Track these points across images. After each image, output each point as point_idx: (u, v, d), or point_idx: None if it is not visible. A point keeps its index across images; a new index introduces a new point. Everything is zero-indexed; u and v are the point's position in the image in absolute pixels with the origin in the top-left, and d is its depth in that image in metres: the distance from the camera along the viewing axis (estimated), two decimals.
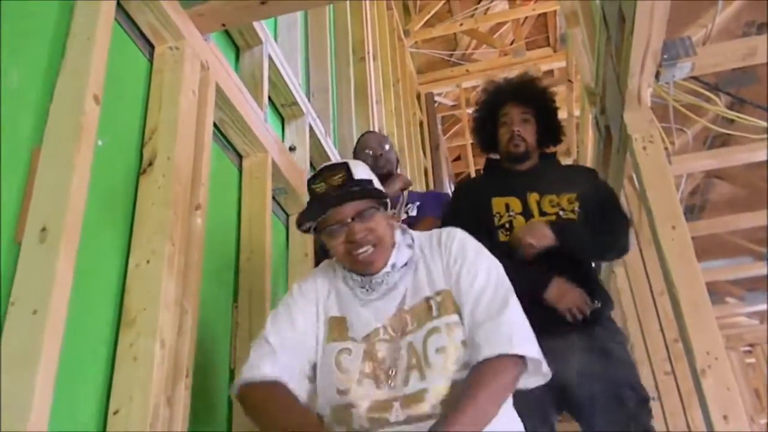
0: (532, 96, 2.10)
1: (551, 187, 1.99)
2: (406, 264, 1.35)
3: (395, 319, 1.29)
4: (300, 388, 1.28)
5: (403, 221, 2.27)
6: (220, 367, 1.72)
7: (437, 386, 1.21)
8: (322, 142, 2.76)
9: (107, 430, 1.18)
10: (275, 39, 2.53)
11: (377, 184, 1.35)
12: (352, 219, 1.29)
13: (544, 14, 6.47)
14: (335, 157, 2.94)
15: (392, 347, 1.26)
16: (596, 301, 1.84)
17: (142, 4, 1.50)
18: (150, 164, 1.46)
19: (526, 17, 6.57)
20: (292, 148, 2.50)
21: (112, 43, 1.33)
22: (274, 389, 1.24)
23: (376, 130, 3.91)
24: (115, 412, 1.19)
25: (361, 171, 1.33)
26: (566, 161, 6.45)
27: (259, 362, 1.27)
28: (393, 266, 1.33)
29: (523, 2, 6.38)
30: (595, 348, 1.83)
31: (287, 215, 2.39)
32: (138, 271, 1.33)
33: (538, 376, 1.27)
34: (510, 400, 1.28)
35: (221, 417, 1.68)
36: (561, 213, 1.94)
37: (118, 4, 1.42)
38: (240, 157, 2.06)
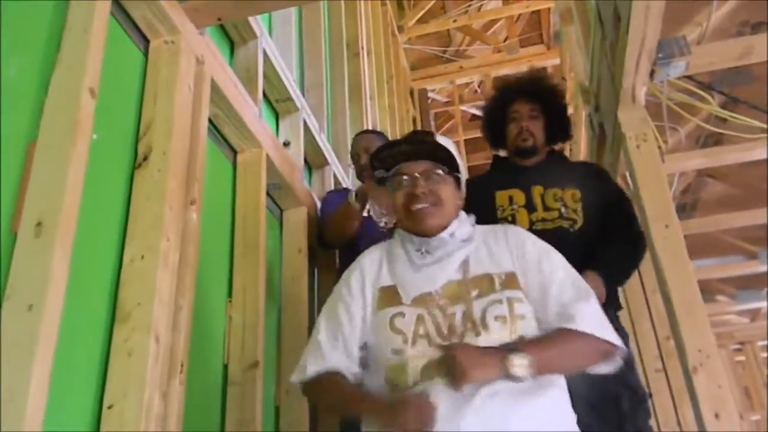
0: (540, 92, 2.11)
1: (556, 181, 2.00)
2: (466, 240, 1.37)
3: (454, 286, 1.31)
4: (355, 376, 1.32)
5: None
6: (213, 363, 1.71)
7: (492, 344, 1.21)
8: (317, 137, 2.76)
9: (102, 425, 1.18)
10: (270, 34, 2.52)
11: (458, 158, 1.40)
12: (420, 174, 1.35)
13: (538, 11, 6.47)
14: (329, 154, 2.94)
15: (449, 311, 1.27)
16: None
17: None
18: (145, 159, 1.45)
19: (520, 14, 6.56)
20: (286, 144, 2.49)
21: (107, 37, 1.32)
22: (332, 379, 1.29)
23: (370, 126, 3.91)
24: (110, 407, 1.19)
25: (445, 141, 1.39)
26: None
27: (312, 364, 1.32)
28: (452, 235, 1.36)
29: None
30: None
31: (281, 210, 2.39)
32: (133, 266, 1.33)
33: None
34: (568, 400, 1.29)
35: (215, 412, 1.68)
36: (563, 210, 1.95)
37: None
38: (234, 152, 2.05)
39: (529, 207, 1.96)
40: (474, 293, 1.29)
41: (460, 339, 1.23)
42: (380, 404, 1.21)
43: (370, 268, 1.41)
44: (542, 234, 1.90)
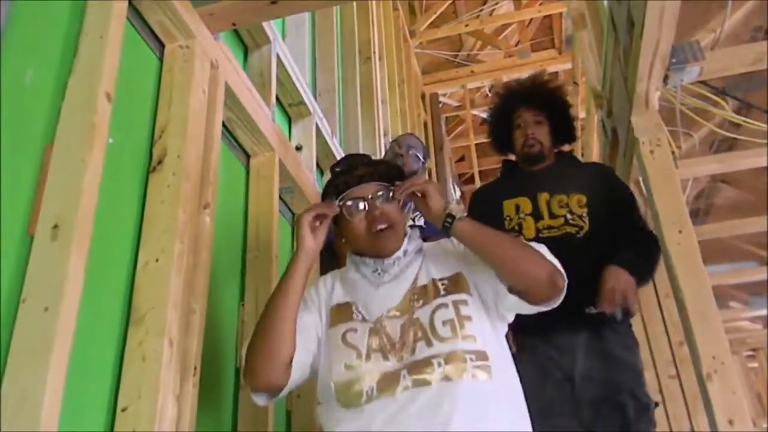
0: (544, 97, 2.11)
1: (562, 187, 1.99)
2: (417, 253, 1.42)
3: (403, 300, 1.34)
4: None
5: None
6: (226, 366, 1.72)
7: (445, 353, 1.23)
8: (329, 141, 2.77)
9: (116, 428, 1.18)
10: (283, 39, 2.53)
11: (397, 169, 1.48)
12: (373, 197, 1.38)
13: (550, 16, 6.46)
14: (341, 157, 2.94)
15: (398, 323, 1.30)
16: (590, 307, 1.82)
17: (154, 3, 1.50)
18: (160, 162, 1.46)
19: (532, 19, 6.56)
20: (298, 148, 2.50)
21: (123, 42, 1.33)
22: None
23: (381, 130, 3.91)
24: (124, 410, 1.19)
25: (389, 165, 1.48)
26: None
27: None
28: (405, 252, 1.40)
29: (528, 4, 6.38)
30: (601, 351, 1.83)
31: (293, 214, 2.39)
32: (147, 269, 1.34)
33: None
34: (523, 404, 1.29)
35: (227, 415, 1.68)
36: (569, 216, 1.94)
37: (130, 3, 1.42)
38: (248, 156, 2.06)
39: (536, 215, 1.96)
40: (419, 302, 1.32)
41: (412, 352, 1.25)
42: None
43: (324, 290, 1.44)
44: (549, 241, 1.91)
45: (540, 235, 1.92)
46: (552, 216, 1.95)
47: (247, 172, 2.05)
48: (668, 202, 2.05)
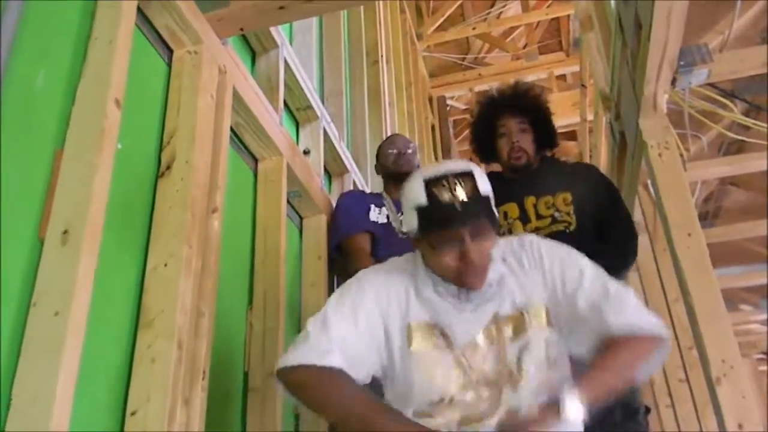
0: (526, 105, 2.10)
1: (547, 188, 2.01)
2: (499, 281, 1.29)
3: (488, 330, 1.26)
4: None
5: None
6: (235, 369, 1.73)
7: (531, 402, 1.19)
8: (336, 145, 2.77)
9: (125, 431, 1.19)
10: (291, 43, 2.54)
11: (493, 199, 1.27)
12: (471, 237, 1.20)
13: (557, 18, 6.45)
14: (349, 161, 2.95)
15: (483, 355, 1.24)
16: None
17: (162, 9, 1.52)
18: (168, 167, 1.47)
19: (539, 21, 6.55)
20: (306, 152, 2.51)
21: (132, 48, 1.34)
22: (345, 378, 1.17)
23: (389, 133, 3.92)
24: (133, 413, 1.20)
25: (484, 183, 1.23)
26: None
27: (324, 348, 1.18)
28: (489, 284, 1.27)
29: (536, 6, 6.37)
30: None
31: (301, 218, 2.40)
32: (156, 273, 1.34)
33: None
34: None
35: (236, 418, 1.69)
36: (556, 215, 1.96)
37: (139, 9, 1.43)
38: (255, 160, 2.07)
39: (523, 219, 1.98)
40: (508, 334, 1.26)
41: (499, 392, 1.21)
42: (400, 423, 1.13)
43: (395, 297, 1.29)
44: None
45: None
46: (539, 217, 1.96)
47: (255, 177, 2.06)
48: (677, 205, 2.04)
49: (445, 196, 1.19)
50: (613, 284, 1.28)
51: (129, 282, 1.32)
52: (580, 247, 1.83)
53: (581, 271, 1.30)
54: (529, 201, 1.99)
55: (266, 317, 1.84)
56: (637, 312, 1.25)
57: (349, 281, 1.34)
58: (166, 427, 1.18)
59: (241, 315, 1.82)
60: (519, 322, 1.27)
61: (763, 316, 6.19)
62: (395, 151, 2.46)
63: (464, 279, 1.23)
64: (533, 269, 1.32)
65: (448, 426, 1.20)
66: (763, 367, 8.11)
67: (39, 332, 1.02)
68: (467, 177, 1.21)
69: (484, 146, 2.18)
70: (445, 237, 1.21)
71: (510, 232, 1.97)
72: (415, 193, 1.23)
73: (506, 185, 2.05)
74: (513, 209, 2.00)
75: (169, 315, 1.29)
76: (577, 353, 1.30)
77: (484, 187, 1.23)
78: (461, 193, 1.19)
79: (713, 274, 1.91)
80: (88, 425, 1.13)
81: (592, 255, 1.81)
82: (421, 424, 1.15)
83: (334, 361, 1.17)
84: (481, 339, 1.26)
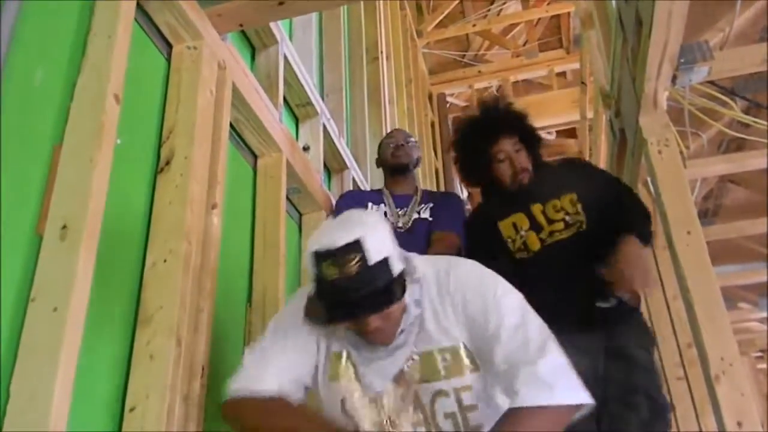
0: (516, 124, 2.04)
1: (551, 192, 1.98)
2: (412, 323, 1.24)
3: (401, 373, 1.23)
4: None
5: (421, 222, 2.26)
6: (234, 366, 1.72)
7: None
8: (336, 142, 2.77)
9: (124, 427, 1.19)
10: (290, 39, 2.54)
11: (394, 258, 1.17)
12: (367, 322, 1.17)
13: (558, 16, 6.44)
14: (348, 158, 2.95)
15: (397, 395, 1.22)
16: (601, 302, 1.80)
17: (161, 4, 1.51)
18: (167, 163, 1.47)
19: (540, 18, 6.54)
20: (306, 148, 2.51)
21: (131, 43, 1.33)
22: (283, 404, 1.21)
23: (389, 130, 3.91)
24: (132, 410, 1.20)
25: (376, 248, 1.13)
26: None
27: (261, 374, 1.23)
28: (402, 331, 1.23)
29: (536, 4, 6.36)
30: (616, 350, 1.82)
31: (300, 215, 2.40)
32: (155, 269, 1.34)
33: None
34: None
35: None
36: (567, 218, 1.94)
37: (138, 4, 1.43)
38: (255, 156, 2.07)
39: (535, 227, 1.95)
40: (417, 376, 1.22)
41: None
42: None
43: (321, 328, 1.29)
44: (557, 246, 1.90)
45: (545, 244, 1.92)
46: (550, 222, 1.94)
47: (255, 173, 2.05)
48: (677, 202, 2.04)
49: (332, 273, 1.12)
50: (534, 337, 1.16)
51: (128, 278, 1.32)
52: (594, 245, 1.83)
53: (502, 316, 1.19)
54: (536, 208, 1.97)
55: (265, 314, 1.84)
56: (552, 378, 1.11)
57: (287, 308, 1.37)
58: (164, 423, 1.18)
59: (240, 312, 1.82)
60: (431, 366, 1.22)
61: (762, 315, 6.20)
62: (393, 143, 2.45)
63: (372, 342, 1.22)
64: (452, 303, 1.24)
65: None
66: (762, 365, 8.12)
67: (37, 328, 1.02)
68: (354, 249, 1.12)
69: (477, 173, 2.11)
70: (341, 324, 1.22)
71: (525, 245, 1.95)
72: (308, 267, 1.19)
73: (509, 197, 2.01)
74: (522, 219, 1.97)
75: (168, 311, 1.29)
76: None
77: (376, 252, 1.13)
78: (350, 269, 1.12)
79: (713, 272, 1.91)
80: (87, 421, 1.13)
81: (610, 245, 1.81)
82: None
83: (267, 385, 1.21)
84: (391, 387, 1.23)
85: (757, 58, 2.24)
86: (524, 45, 6.76)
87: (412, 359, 1.23)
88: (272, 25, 2.17)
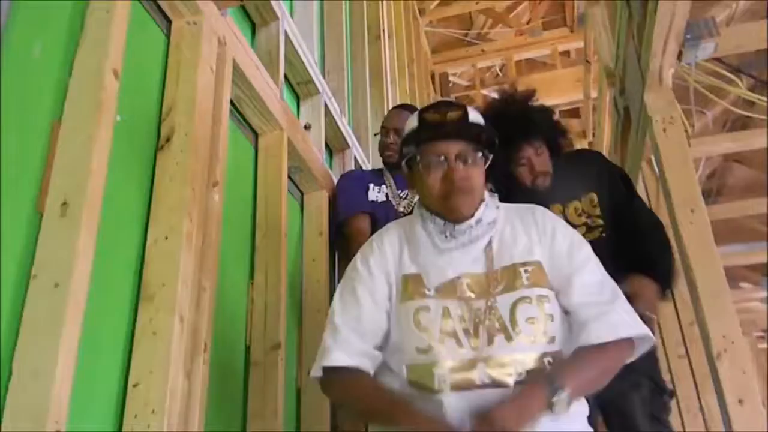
0: (541, 127, 1.96)
1: (571, 192, 1.92)
2: (491, 223, 1.32)
3: (480, 278, 1.27)
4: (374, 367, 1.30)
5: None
6: (236, 343, 1.73)
7: (525, 356, 1.21)
8: (337, 120, 2.75)
9: (127, 403, 1.19)
10: (291, 16, 2.51)
11: (489, 132, 1.33)
12: (456, 158, 1.28)
13: None
14: (350, 137, 2.93)
15: (474, 306, 1.25)
16: None
17: None
18: (168, 140, 1.45)
19: None
20: (307, 127, 2.49)
21: (130, 18, 1.32)
22: (357, 377, 1.26)
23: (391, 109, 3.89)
24: (135, 386, 1.20)
25: (475, 116, 1.32)
26: (581, 143, 6.40)
27: (336, 350, 1.27)
28: (478, 221, 1.30)
29: None
30: None
31: (302, 194, 2.39)
32: (156, 247, 1.34)
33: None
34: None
35: (238, 392, 1.69)
36: (589, 221, 1.90)
37: None
38: (256, 134, 2.05)
39: None
40: (499, 287, 1.26)
41: (490, 342, 1.21)
42: (417, 419, 1.15)
43: (391, 252, 1.36)
44: None
45: None
46: (572, 226, 1.90)
47: (256, 151, 2.04)
48: (681, 180, 2.03)
49: (435, 117, 1.30)
50: (608, 284, 1.31)
51: (130, 255, 1.32)
52: (614, 248, 1.78)
53: (587, 257, 1.33)
54: (556, 209, 1.90)
55: (267, 292, 1.84)
56: (625, 321, 1.27)
57: (348, 268, 1.41)
58: (167, 399, 1.19)
59: (242, 289, 1.82)
60: (512, 276, 1.27)
61: (763, 294, 6.20)
62: (384, 139, 2.40)
63: (449, 200, 1.28)
64: (538, 232, 1.34)
65: (441, 374, 1.20)
66: (763, 345, 8.14)
67: (39, 305, 1.01)
68: (459, 107, 1.31)
69: (493, 175, 2.05)
70: (431, 152, 1.29)
71: None
72: (410, 122, 1.36)
73: (528, 195, 1.94)
74: None
75: (170, 288, 1.28)
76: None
77: (476, 118, 1.32)
78: (450, 116, 1.29)
79: (716, 250, 1.91)
80: (90, 397, 1.13)
81: (629, 254, 1.79)
82: (433, 418, 1.16)
83: (356, 354, 1.27)
84: (470, 285, 1.27)
85: (763, 35, 2.21)
86: (528, 23, 6.70)
87: (495, 269, 1.28)
88: (273, 1, 2.14)
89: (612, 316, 1.24)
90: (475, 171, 1.29)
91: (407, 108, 2.60)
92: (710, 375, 1.93)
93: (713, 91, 2.31)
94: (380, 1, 4.16)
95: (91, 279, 1.07)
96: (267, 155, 2.04)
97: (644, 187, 2.72)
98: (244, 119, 1.98)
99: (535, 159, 1.93)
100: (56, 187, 1.10)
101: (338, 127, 2.77)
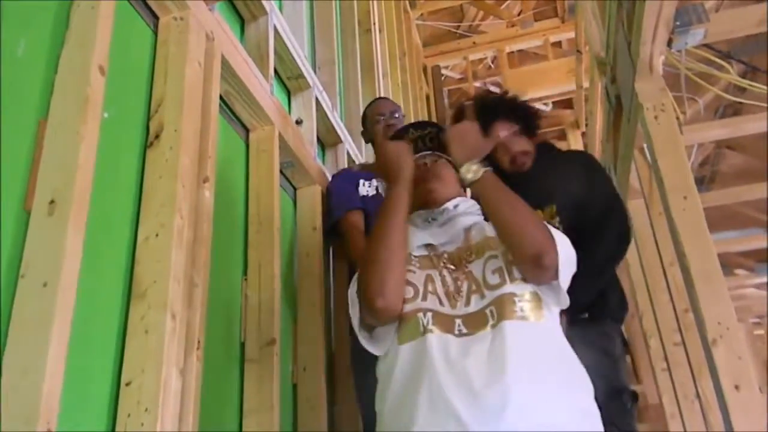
0: (505, 107, 1.96)
1: (538, 197, 1.77)
2: (469, 212, 1.49)
3: (458, 252, 1.41)
4: None
5: None
6: (231, 340, 1.72)
7: (494, 298, 1.29)
8: (329, 115, 2.74)
9: (120, 402, 1.18)
10: (280, 10, 2.49)
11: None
12: (428, 163, 1.55)
13: None
14: (342, 131, 2.92)
15: (453, 276, 1.36)
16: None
17: None
18: (157, 137, 1.44)
19: None
20: (299, 122, 2.48)
21: (116, 14, 1.30)
22: None
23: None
24: (128, 384, 1.20)
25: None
26: (575, 134, 6.41)
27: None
28: (455, 206, 1.48)
29: None
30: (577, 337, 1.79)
31: (295, 189, 2.38)
32: (147, 244, 1.33)
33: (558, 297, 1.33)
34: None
35: (233, 389, 1.69)
36: None
37: None
38: (246, 130, 2.04)
39: None
40: (473, 256, 1.38)
41: (467, 303, 1.31)
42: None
43: None
44: None
45: None
46: None
47: (247, 147, 2.03)
48: (673, 168, 2.03)
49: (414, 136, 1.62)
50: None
51: (120, 253, 1.31)
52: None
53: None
54: None
55: (261, 288, 1.84)
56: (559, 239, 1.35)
57: None
58: (161, 397, 1.18)
59: (236, 286, 1.81)
60: (484, 245, 1.39)
61: (758, 280, 6.22)
62: (382, 118, 2.40)
63: (421, 191, 1.49)
64: None
65: (425, 320, 1.29)
66: (759, 331, 8.18)
67: (28, 304, 1.01)
68: (433, 125, 1.66)
69: None
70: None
71: None
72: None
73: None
74: None
75: (161, 285, 1.28)
76: None
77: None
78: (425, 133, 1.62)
79: (709, 236, 1.91)
80: (82, 397, 1.12)
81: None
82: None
83: None
84: (448, 257, 1.40)
85: (754, 19, 2.21)
86: (519, 14, 6.69)
87: (469, 243, 1.42)
88: None
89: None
90: (441, 167, 1.54)
91: (383, 98, 2.78)
92: (706, 361, 1.93)
93: (704, 77, 2.31)
94: None
95: (81, 277, 1.07)
96: (258, 151, 2.03)
97: (637, 175, 2.72)
98: (235, 115, 1.97)
99: (510, 139, 1.91)
100: (44, 186, 1.09)
101: (330, 121, 2.76)
